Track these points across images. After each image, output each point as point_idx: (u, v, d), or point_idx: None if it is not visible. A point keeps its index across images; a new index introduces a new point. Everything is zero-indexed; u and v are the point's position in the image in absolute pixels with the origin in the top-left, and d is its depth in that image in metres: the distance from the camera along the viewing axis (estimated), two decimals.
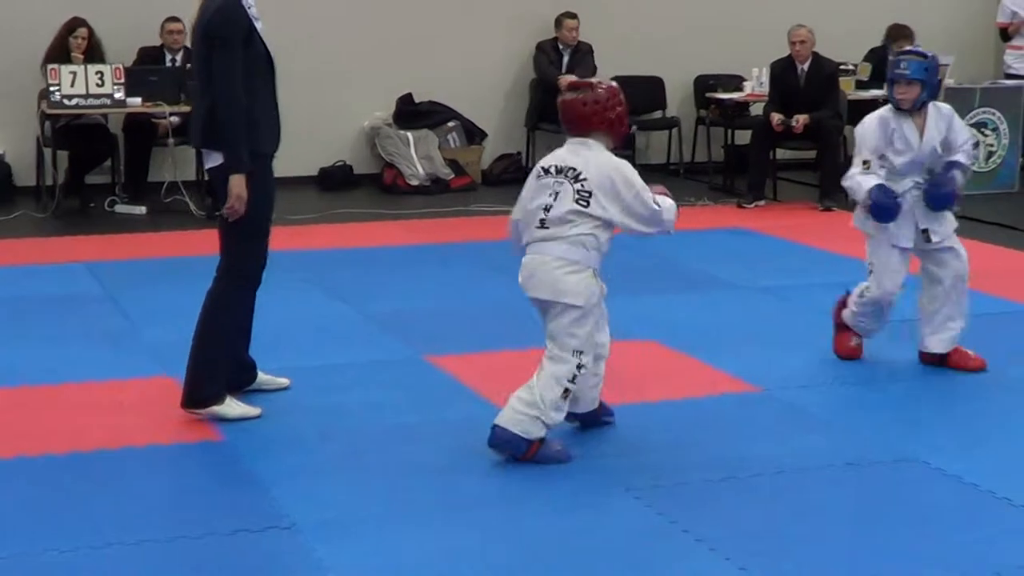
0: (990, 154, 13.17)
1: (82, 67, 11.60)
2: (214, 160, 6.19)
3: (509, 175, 13.85)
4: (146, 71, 12.10)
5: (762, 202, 12.47)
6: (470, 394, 6.79)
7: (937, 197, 7.01)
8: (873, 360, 7.39)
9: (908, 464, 5.83)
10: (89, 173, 12.39)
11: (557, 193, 5.83)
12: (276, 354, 7.35)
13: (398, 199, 12.87)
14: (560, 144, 6.06)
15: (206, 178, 6.54)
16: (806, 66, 12.47)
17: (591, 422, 6.22)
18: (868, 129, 7.06)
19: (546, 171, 5.93)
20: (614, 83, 6.04)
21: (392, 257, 10.17)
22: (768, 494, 5.53)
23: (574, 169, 5.84)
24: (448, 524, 5.24)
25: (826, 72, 12.57)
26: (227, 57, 6.05)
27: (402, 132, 13.50)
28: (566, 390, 5.80)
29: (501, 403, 6.54)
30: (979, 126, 13.04)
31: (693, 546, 5.00)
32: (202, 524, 5.18)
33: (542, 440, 5.81)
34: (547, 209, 5.84)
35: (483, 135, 14.01)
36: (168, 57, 12.61)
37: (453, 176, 13.48)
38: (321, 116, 13.34)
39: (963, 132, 7.19)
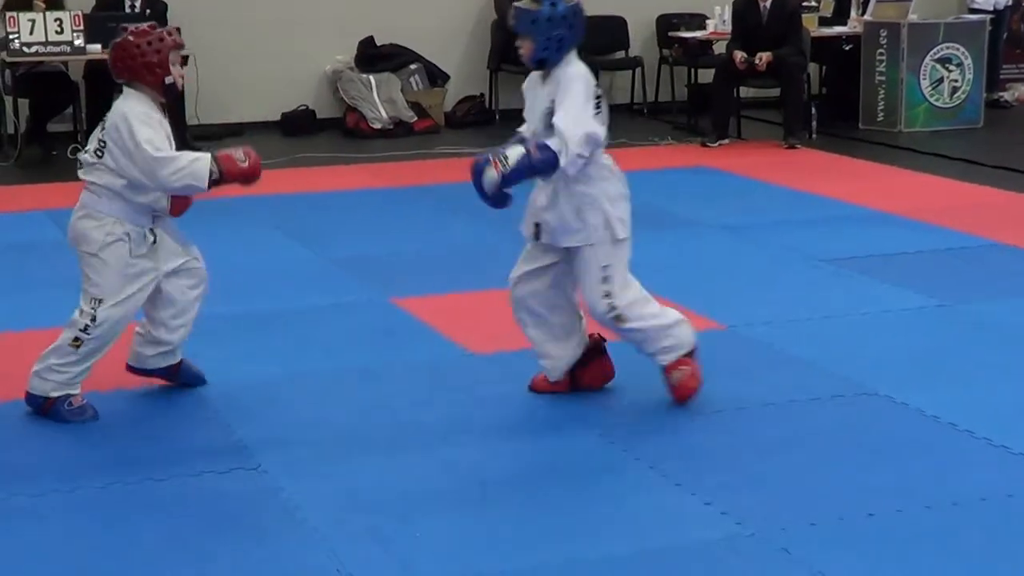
0: (954, 90, 13.20)
1: (41, 14, 11.53)
2: None
3: (472, 117, 13.85)
4: (106, 17, 11.99)
5: (726, 141, 12.47)
6: (434, 335, 6.80)
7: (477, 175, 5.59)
8: (837, 296, 7.43)
9: (870, 398, 5.86)
10: (51, 121, 12.35)
11: (98, 139, 5.61)
12: (240, 298, 7.35)
13: (361, 143, 12.84)
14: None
15: None
16: (769, 3, 12.43)
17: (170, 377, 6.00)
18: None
19: None
20: (158, 27, 5.78)
21: (356, 200, 10.16)
22: (731, 429, 5.55)
23: (106, 119, 5.62)
24: (413, 460, 5.26)
25: (789, 9, 12.54)
26: None
27: (364, 75, 13.46)
28: (76, 339, 5.64)
29: (464, 343, 6.60)
30: (943, 61, 13.07)
31: (658, 481, 5.03)
32: (168, 465, 5.19)
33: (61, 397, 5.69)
34: (87, 152, 5.65)
35: (446, 77, 13.97)
36: (127, 3, 12.52)
37: (416, 119, 13.45)
38: (283, 61, 13.30)
39: (563, 115, 5.45)
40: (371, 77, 13.42)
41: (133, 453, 5.35)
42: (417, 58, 13.84)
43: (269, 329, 6.91)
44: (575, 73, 5.55)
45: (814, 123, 12.82)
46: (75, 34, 11.49)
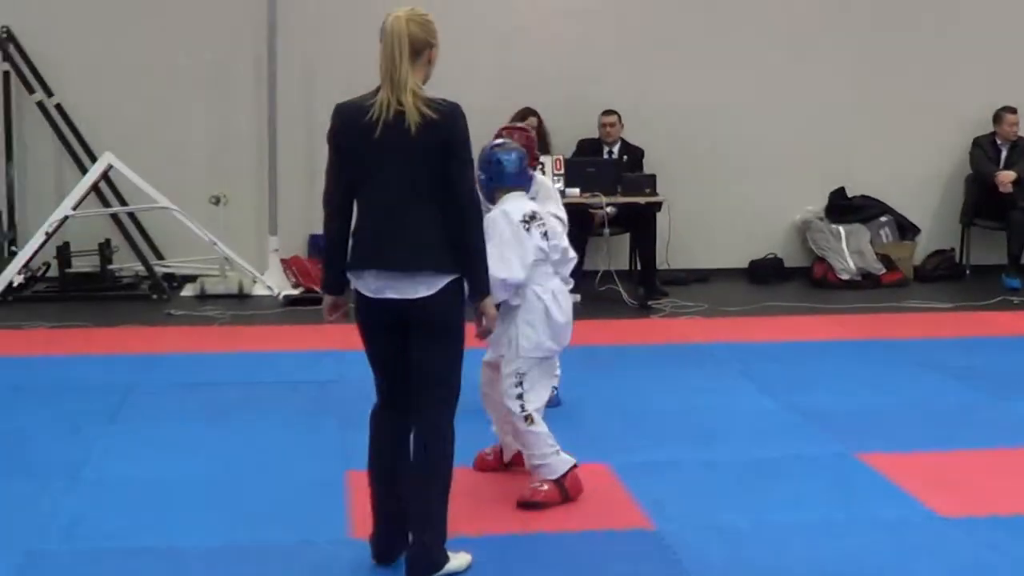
0: None
1: None
2: (437, 284, 5.40)
3: (942, 271, 13.61)
4: (584, 162, 12.42)
5: None
6: (900, 494, 6.69)
7: None
8: None
9: None
10: None
11: None
12: (707, 446, 7.43)
13: (828, 293, 12.80)
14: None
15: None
16: None
17: None
18: None
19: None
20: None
21: (822, 351, 10.11)
22: None
23: None
24: None
25: None
26: (472, 172, 5.52)
27: (833, 226, 13.45)
28: None
29: (933, 504, 6.47)
30: None
31: None
32: None
33: None
34: None
35: (916, 230, 13.81)
36: (605, 149, 12.95)
37: (884, 271, 13.32)
38: (752, 209, 13.45)
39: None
40: (840, 228, 13.41)
41: None
42: (888, 210, 13.76)
43: (732, 477, 6.94)
44: (491, 216, 6.39)
45: None
46: (555, 177, 11.90)
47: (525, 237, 6.37)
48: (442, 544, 5.48)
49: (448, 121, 5.30)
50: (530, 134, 7.72)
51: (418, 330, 5.42)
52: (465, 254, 5.37)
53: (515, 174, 6.51)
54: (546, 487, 6.40)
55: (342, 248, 5.49)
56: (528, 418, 6.39)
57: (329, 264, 5.58)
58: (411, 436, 5.53)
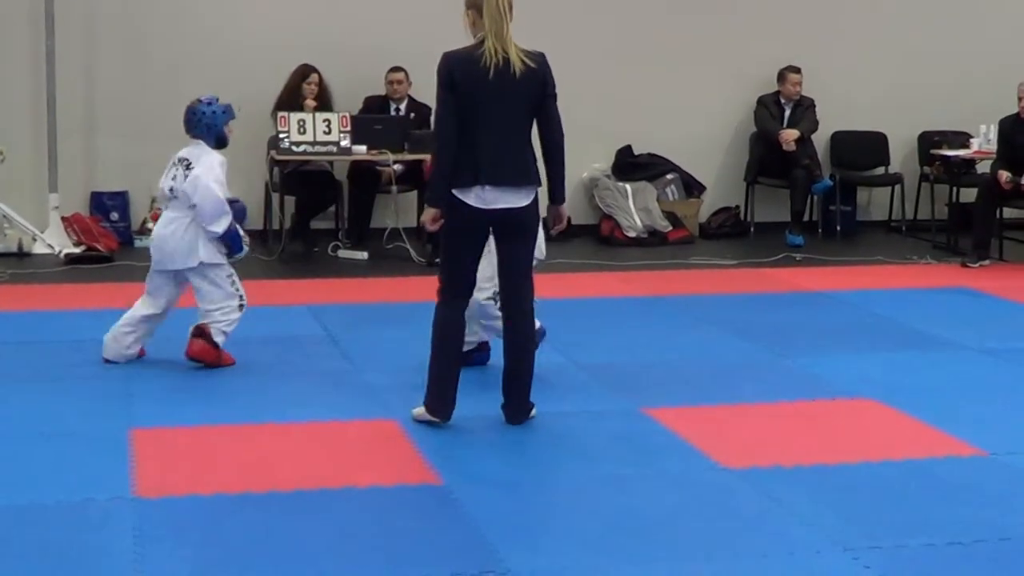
0: None
1: (310, 115, 11.89)
2: (531, 195, 6.83)
3: (727, 228, 13.81)
4: (371, 120, 12.33)
5: (987, 262, 12.21)
6: (687, 447, 6.75)
7: None
8: None
9: None
10: (314, 218, 12.65)
11: None
12: (494, 402, 7.41)
13: (615, 250, 12.90)
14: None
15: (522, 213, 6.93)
16: None
17: None
18: None
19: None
20: None
21: (608, 308, 10.18)
22: (992, 560, 5.38)
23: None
24: (662, 574, 5.21)
25: None
26: (557, 106, 6.85)
27: (620, 184, 13.55)
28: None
29: (718, 456, 6.54)
30: None
31: None
32: (419, 566, 5.22)
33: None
34: None
35: (701, 188, 13.98)
36: (392, 107, 12.84)
37: (671, 228, 13.47)
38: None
39: None
40: (627, 186, 13.52)
41: (385, 550, 5.39)
42: (674, 168, 13.90)
43: (522, 434, 6.93)
44: None
45: None
46: (342, 135, 11.82)
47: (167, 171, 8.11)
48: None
49: (542, 67, 6.76)
50: None
51: (515, 234, 6.85)
52: (554, 169, 6.86)
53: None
54: None
55: (451, 171, 6.65)
56: None
57: (439, 183, 6.69)
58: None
